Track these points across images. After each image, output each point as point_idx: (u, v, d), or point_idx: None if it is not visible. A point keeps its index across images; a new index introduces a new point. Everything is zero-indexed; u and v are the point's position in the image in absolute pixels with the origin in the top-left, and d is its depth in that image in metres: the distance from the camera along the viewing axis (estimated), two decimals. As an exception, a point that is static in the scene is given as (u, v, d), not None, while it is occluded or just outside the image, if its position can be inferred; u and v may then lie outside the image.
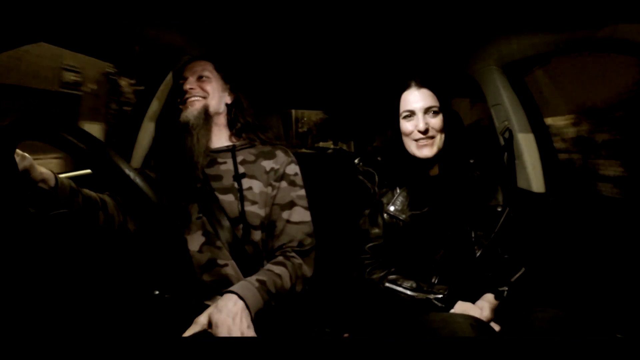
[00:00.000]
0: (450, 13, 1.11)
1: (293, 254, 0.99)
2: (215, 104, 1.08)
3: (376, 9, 1.11)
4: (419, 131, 1.04)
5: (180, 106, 1.07)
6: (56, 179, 0.85)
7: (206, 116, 1.05)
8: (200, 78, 1.08)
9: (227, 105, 1.11)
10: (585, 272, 1.18)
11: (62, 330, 0.74)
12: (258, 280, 0.87)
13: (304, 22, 1.23)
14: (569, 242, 1.25)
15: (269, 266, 0.94)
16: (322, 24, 1.24)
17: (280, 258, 0.97)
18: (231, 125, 1.11)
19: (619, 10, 0.91)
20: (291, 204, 1.03)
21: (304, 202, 1.06)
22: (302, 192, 1.07)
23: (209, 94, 1.07)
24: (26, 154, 0.78)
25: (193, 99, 1.06)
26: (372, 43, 1.42)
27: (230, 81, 1.13)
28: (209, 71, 1.10)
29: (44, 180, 0.82)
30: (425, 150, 1.06)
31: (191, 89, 1.06)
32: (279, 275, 0.91)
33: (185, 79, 1.09)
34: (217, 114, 1.09)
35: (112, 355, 0.56)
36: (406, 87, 1.09)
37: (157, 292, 0.92)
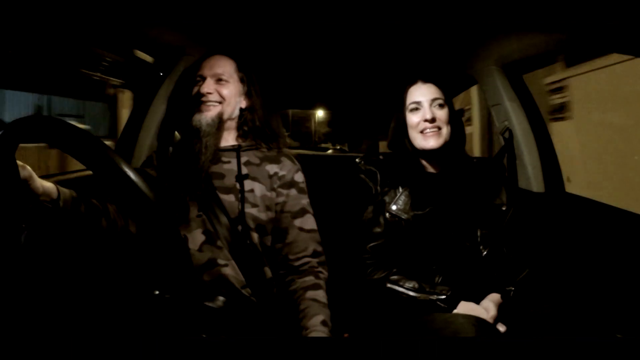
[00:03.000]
0: (450, 13, 1.11)
1: (315, 264, 1.00)
2: (230, 110, 1.05)
3: (376, 9, 1.11)
4: (426, 120, 1.06)
5: (195, 107, 1.03)
6: (58, 191, 0.83)
7: (219, 123, 1.03)
8: (219, 81, 1.04)
9: (241, 109, 1.08)
10: (584, 273, 1.18)
11: (62, 330, 0.74)
12: (322, 323, 0.90)
13: (307, 23, 1.23)
14: (568, 242, 1.25)
15: (311, 294, 0.94)
16: (326, 24, 1.24)
17: (312, 278, 0.97)
18: (240, 126, 1.09)
19: (619, 10, 0.91)
20: (303, 212, 1.04)
21: (311, 209, 1.06)
22: (309, 200, 1.07)
23: (225, 100, 1.04)
24: (26, 165, 0.76)
25: (209, 104, 1.02)
26: (373, 43, 1.42)
27: (248, 84, 1.09)
28: (228, 73, 1.05)
29: (46, 193, 0.80)
30: (431, 141, 1.06)
31: (208, 93, 1.02)
32: (326, 305, 0.94)
33: (203, 78, 1.04)
34: (231, 119, 1.07)
35: (113, 355, 0.56)
36: (413, 82, 1.13)
37: (157, 292, 0.92)
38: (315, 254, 1.01)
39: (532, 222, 1.33)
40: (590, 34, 1.05)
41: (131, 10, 1.09)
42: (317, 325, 0.88)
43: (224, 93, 1.04)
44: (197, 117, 1.02)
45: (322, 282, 0.98)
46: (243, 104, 1.08)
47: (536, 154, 1.40)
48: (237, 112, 1.08)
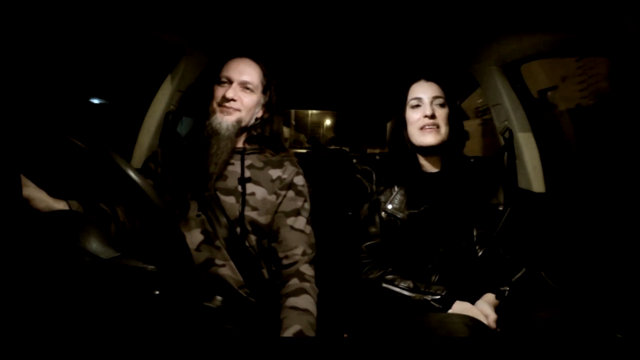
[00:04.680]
0: (451, 13, 1.11)
1: (302, 263, 0.99)
2: (248, 118, 1.06)
3: (375, 9, 1.11)
4: (426, 116, 1.07)
5: (216, 108, 1.03)
6: (69, 205, 0.83)
7: (238, 129, 1.03)
8: (245, 88, 1.04)
9: (256, 118, 1.09)
10: (585, 272, 1.18)
11: (62, 330, 0.73)
12: (295, 335, 0.84)
13: (308, 24, 1.23)
14: (569, 242, 1.25)
15: (291, 301, 0.91)
16: (327, 26, 1.24)
17: (296, 281, 0.95)
18: (249, 132, 1.10)
19: (619, 10, 0.91)
20: (296, 212, 1.03)
21: (307, 215, 1.05)
22: (307, 205, 1.06)
23: (246, 109, 1.04)
24: (29, 183, 0.76)
25: (230, 109, 1.02)
26: (374, 43, 1.42)
27: (269, 95, 1.09)
28: (255, 83, 1.06)
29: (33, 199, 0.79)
30: (429, 137, 1.07)
31: (233, 100, 1.02)
32: (307, 311, 0.89)
33: (230, 82, 1.04)
34: (246, 127, 1.08)
35: (113, 355, 0.56)
36: (415, 79, 1.14)
37: (157, 292, 0.92)
38: (304, 253, 1.00)
39: (532, 222, 1.33)
40: (590, 34, 1.05)
41: (131, 10, 1.09)
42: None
43: (246, 101, 1.04)
44: (217, 119, 1.02)
45: (306, 285, 0.95)
46: (259, 114, 1.09)
47: (536, 154, 1.40)
48: (252, 121, 1.09)
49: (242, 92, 1.04)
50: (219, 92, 1.04)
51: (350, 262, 1.09)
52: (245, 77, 1.04)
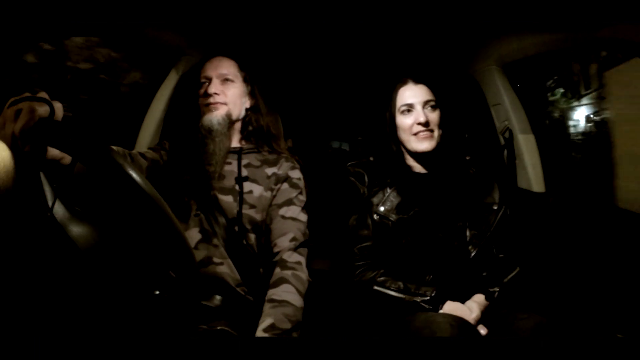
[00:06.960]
0: (451, 13, 1.11)
1: (287, 250, 0.96)
2: (237, 111, 1.07)
3: (377, 8, 1.11)
4: (419, 123, 1.04)
5: (203, 108, 1.05)
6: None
7: (229, 123, 1.04)
8: (225, 81, 1.05)
9: (246, 109, 1.10)
10: (584, 272, 1.18)
11: (61, 330, 0.73)
12: (265, 330, 0.82)
13: (308, 23, 1.23)
14: (568, 242, 1.25)
15: (270, 293, 0.89)
16: (326, 26, 1.24)
17: (278, 270, 0.94)
18: (244, 127, 1.10)
19: (619, 10, 0.91)
20: (289, 202, 1.02)
21: (302, 204, 1.04)
22: (302, 196, 1.06)
23: (232, 101, 1.05)
24: None
25: (217, 103, 1.03)
26: (373, 43, 1.42)
27: (251, 83, 1.11)
28: (234, 73, 1.07)
29: (63, 157, 0.76)
30: (425, 143, 1.05)
31: (215, 94, 1.03)
32: (284, 302, 0.87)
33: (209, 79, 1.05)
34: (238, 120, 1.09)
35: (112, 355, 0.56)
36: (403, 82, 1.10)
37: (157, 292, 0.92)
38: (293, 239, 0.97)
39: (531, 222, 1.33)
40: (590, 34, 1.05)
41: (131, 10, 1.09)
42: (260, 332, 0.83)
43: (230, 93, 1.05)
44: (207, 118, 1.02)
45: (287, 273, 0.92)
46: (247, 104, 1.10)
47: (536, 154, 1.40)
48: (243, 113, 1.09)
49: (223, 85, 1.05)
50: (202, 91, 1.05)
51: (342, 264, 1.09)
52: (223, 70, 1.05)
